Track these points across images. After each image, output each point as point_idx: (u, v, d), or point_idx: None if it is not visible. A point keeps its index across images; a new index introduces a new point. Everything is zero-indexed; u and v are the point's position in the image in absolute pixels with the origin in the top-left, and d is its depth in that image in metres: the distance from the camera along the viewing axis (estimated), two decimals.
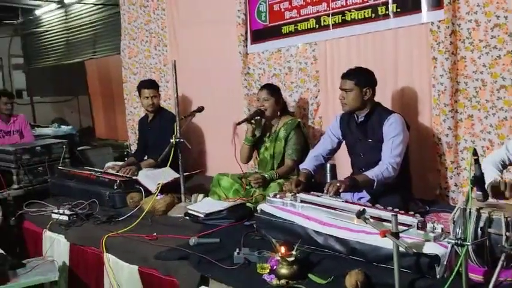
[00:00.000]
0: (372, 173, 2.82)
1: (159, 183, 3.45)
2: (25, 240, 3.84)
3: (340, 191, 2.71)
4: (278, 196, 2.81)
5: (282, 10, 4.00)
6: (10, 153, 4.30)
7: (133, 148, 5.24)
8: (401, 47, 3.43)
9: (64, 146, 4.54)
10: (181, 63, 4.27)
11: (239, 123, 3.61)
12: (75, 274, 3.28)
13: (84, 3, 6.76)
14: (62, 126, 7.22)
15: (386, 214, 2.35)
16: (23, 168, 4.28)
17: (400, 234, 2.00)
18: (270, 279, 2.21)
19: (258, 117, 3.65)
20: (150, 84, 4.39)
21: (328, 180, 3.48)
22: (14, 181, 4.26)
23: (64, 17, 7.35)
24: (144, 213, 3.27)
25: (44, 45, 8.15)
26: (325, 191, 2.72)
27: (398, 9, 3.35)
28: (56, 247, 3.40)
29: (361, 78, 3.00)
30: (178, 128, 3.45)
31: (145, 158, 4.40)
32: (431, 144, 3.35)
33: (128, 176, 3.87)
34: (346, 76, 3.03)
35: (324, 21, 3.73)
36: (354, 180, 2.78)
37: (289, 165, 3.52)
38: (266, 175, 3.42)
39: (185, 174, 3.56)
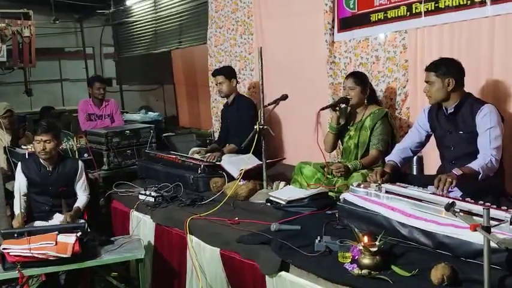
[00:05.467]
0: (476, 165, 2.69)
1: (241, 169, 3.51)
2: (113, 219, 4.06)
3: (452, 186, 2.60)
4: (362, 186, 2.77)
5: None
6: (101, 135, 4.53)
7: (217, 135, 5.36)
8: (498, 36, 3.22)
9: (151, 131, 4.74)
10: (266, 51, 4.29)
11: (323, 109, 3.58)
12: (160, 253, 3.44)
13: None
14: (149, 113, 7.49)
15: (476, 208, 2.27)
16: (112, 151, 4.50)
17: (492, 229, 1.91)
18: (351, 269, 2.20)
19: (343, 105, 3.60)
20: (215, 72, 4.65)
21: (414, 173, 3.39)
22: (104, 162, 4.48)
23: (153, 7, 7.61)
24: (226, 198, 3.35)
25: (133, 35, 8.45)
26: (435, 188, 2.60)
27: None
28: (142, 227, 3.56)
29: (442, 69, 2.89)
30: (262, 115, 3.49)
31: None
32: None
33: (212, 161, 3.97)
34: (427, 68, 2.98)
35: (416, 8, 3.58)
36: (462, 173, 2.66)
37: (374, 155, 3.44)
38: (349, 165, 3.37)
39: (268, 161, 3.60)
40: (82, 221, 3.52)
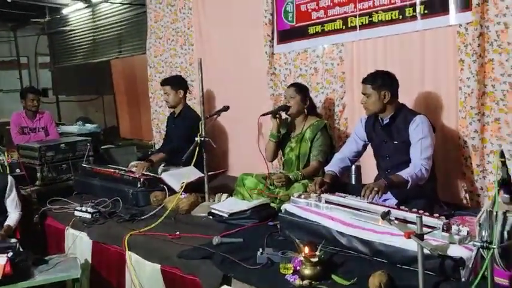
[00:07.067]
0: (405, 174, 2.78)
1: (183, 182, 3.46)
2: (47, 237, 3.89)
3: (379, 195, 2.68)
4: (302, 196, 2.81)
5: (309, 10, 3.98)
6: (34, 150, 4.34)
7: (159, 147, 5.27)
8: (428, 49, 3.39)
9: (88, 144, 4.58)
10: (207, 62, 4.28)
11: (263, 115, 3.63)
12: (97, 272, 3.32)
13: (111, 3, 6.81)
14: (87, 125, 7.28)
15: (411, 216, 2.34)
16: (47, 165, 4.33)
17: (425, 236, 1.99)
18: (293, 280, 2.22)
19: (283, 113, 3.65)
20: (162, 81, 4.55)
21: (353, 182, 3.47)
22: (38, 178, 4.30)
23: (91, 16, 7.43)
24: (167, 212, 3.27)
25: (70, 44, 8.24)
26: (362, 196, 2.66)
27: (426, 11, 3.31)
28: (79, 245, 3.43)
29: (378, 82, 3.00)
30: (203, 126, 3.47)
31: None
32: (457, 147, 3.30)
33: (141, 173, 3.88)
34: (364, 81, 3.07)
35: (351, 22, 3.70)
36: (390, 182, 2.75)
37: (315, 166, 3.50)
38: (290, 175, 3.41)
39: (209, 173, 3.57)
40: (14, 240, 3.34)
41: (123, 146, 6.24)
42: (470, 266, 2.02)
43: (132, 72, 7.26)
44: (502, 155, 1.86)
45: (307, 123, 3.63)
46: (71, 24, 8.04)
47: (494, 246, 1.79)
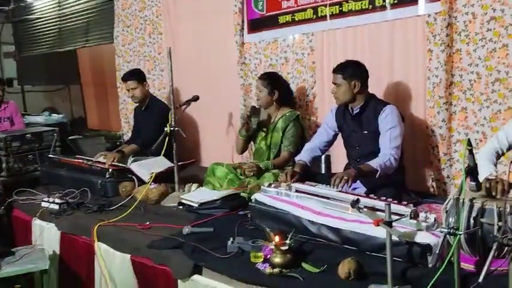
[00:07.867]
0: (375, 163, 2.81)
1: (152, 173, 3.43)
2: (14, 229, 3.81)
3: (349, 185, 2.70)
4: (273, 186, 2.81)
5: None
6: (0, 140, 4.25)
7: (127, 138, 5.20)
8: (397, 39, 3.43)
9: (55, 134, 4.50)
10: (176, 51, 4.21)
11: (240, 131, 3.68)
12: (66, 263, 3.26)
13: None
14: (53, 115, 7.13)
15: (379, 204, 2.36)
16: (12, 156, 4.24)
17: (393, 224, 2.01)
18: (263, 268, 2.22)
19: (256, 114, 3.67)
20: (125, 76, 4.38)
21: (323, 171, 3.50)
22: (3, 169, 4.22)
23: (57, 4, 7.24)
24: (136, 203, 3.24)
25: (35, 33, 8.01)
26: (332, 185, 2.68)
27: (395, 1, 3.34)
28: (46, 236, 3.37)
29: (349, 71, 3.02)
30: (173, 116, 3.43)
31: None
32: (425, 136, 3.36)
33: (115, 163, 3.82)
34: (335, 70, 3.08)
35: (321, 11, 3.71)
36: (360, 171, 2.77)
37: (286, 156, 3.51)
38: (261, 165, 3.40)
39: (179, 163, 3.54)
40: None
41: (90, 136, 6.14)
42: (437, 252, 2.04)
43: (100, 62, 7.11)
44: (469, 143, 1.89)
45: (279, 113, 3.63)
46: (37, 12, 7.82)
47: (461, 233, 1.82)
